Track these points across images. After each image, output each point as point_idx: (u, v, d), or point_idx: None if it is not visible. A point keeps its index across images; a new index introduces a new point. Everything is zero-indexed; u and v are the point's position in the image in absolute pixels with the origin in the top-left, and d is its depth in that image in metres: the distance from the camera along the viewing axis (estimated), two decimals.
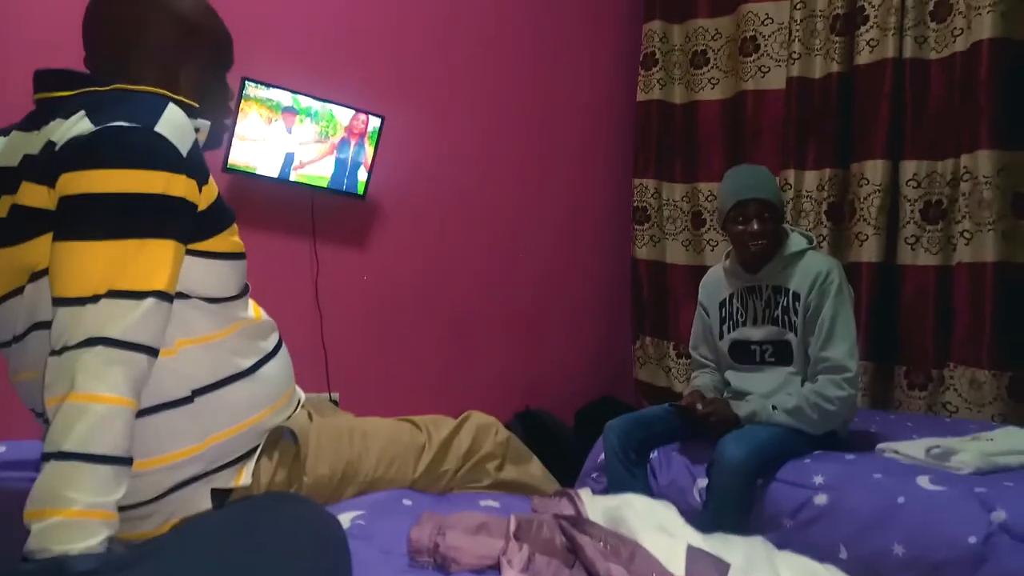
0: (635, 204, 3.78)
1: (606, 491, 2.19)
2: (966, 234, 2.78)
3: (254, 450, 1.25)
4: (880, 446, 2.17)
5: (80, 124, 1.02)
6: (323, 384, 2.76)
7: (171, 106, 1.07)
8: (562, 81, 3.56)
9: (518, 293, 3.42)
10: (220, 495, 1.19)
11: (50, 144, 1.04)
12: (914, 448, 2.09)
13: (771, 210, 2.21)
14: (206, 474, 1.17)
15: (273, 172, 2.54)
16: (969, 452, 1.98)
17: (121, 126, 1.01)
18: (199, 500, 1.17)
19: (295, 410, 1.35)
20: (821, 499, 1.95)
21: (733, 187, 2.27)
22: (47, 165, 1.02)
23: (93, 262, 0.97)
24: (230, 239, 1.17)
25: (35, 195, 1.03)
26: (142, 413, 1.01)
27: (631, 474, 2.21)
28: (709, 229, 3.58)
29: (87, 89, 1.11)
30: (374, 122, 2.73)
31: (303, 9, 2.70)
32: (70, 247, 0.98)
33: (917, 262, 2.94)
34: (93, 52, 1.20)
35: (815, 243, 2.33)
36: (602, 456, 2.30)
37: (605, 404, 3.47)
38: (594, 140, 3.75)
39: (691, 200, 3.66)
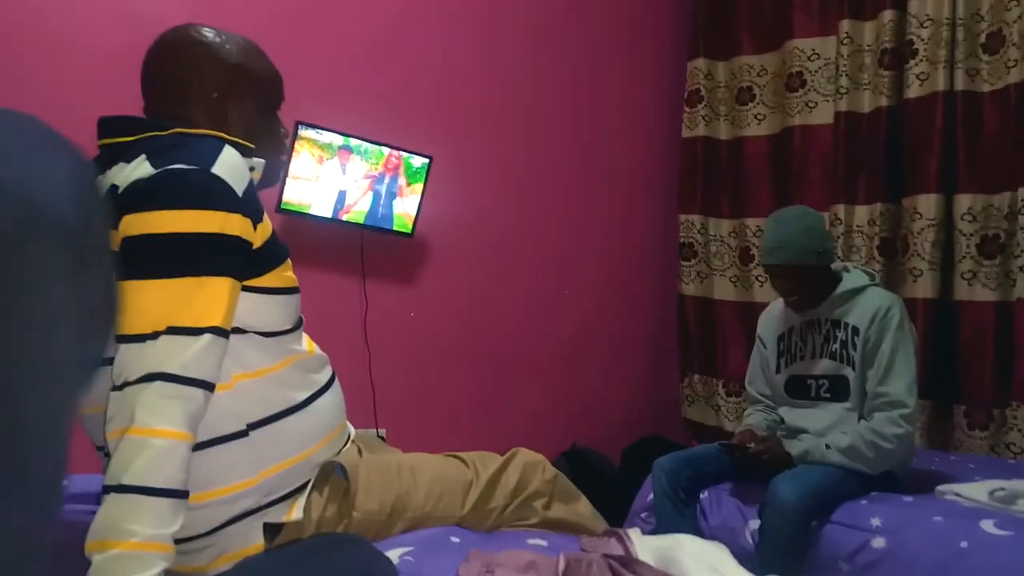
0: (681, 240, 3.76)
1: (655, 531, 2.16)
2: None
3: (305, 485, 1.26)
4: (940, 488, 2.10)
5: (141, 168, 1.06)
6: (371, 420, 2.78)
7: (227, 148, 1.11)
8: (607, 119, 3.58)
9: (564, 330, 3.42)
10: (272, 529, 1.21)
11: (113, 188, 1.08)
12: (976, 490, 2.01)
13: (793, 270, 2.21)
14: (259, 508, 1.19)
15: (325, 211, 2.60)
16: None
17: (180, 169, 1.05)
18: (252, 534, 1.18)
19: (346, 444, 1.36)
20: (879, 542, 1.89)
21: (763, 245, 2.29)
22: (110, 208, 1.07)
23: (153, 300, 1.00)
24: (284, 274, 1.20)
25: None
26: (198, 447, 1.03)
27: (680, 513, 2.17)
28: (757, 265, 3.54)
29: (148, 134, 1.15)
30: (410, 157, 2.77)
31: (354, 54, 2.78)
32: (131, 286, 1.01)
33: (975, 298, 2.86)
34: (151, 100, 1.25)
35: (877, 280, 2.29)
36: (651, 495, 2.27)
37: (652, 443, 3.42)
38: (639, 177, 3.76)
39: (739, 236, 3.63)
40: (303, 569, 1.00)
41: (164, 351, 0.98)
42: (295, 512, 1.23)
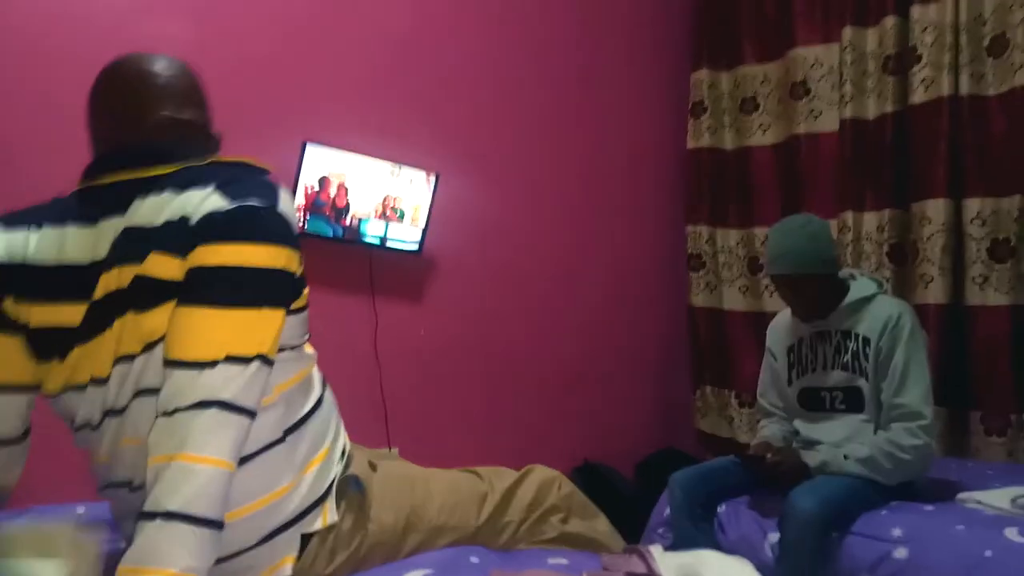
0: (689, 251, 3.75)
1: (672, 547, 2.13)
2: None
3: (331, 487, 1.27)
4: (961, 496, 2.07)
5: (213, 199, 1.08)
6: (383, 437, 2.77)
7: (281, 187, 1.16)
8: (612, 132, 3.59)
9: (575, 344, 3.40)
10: (304, 541, 1.22)
11: (182, 217, 1.08)
12: (998, 497, 1.99)
13: (799, 279, 2.19)
14: (297, 518, 1.20)
15: (335, 230, 2.60)
16: None
17: (254, 206, 1.09)
18: (289, 546, 1.19)
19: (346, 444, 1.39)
20: (901, 553, 1.86)
21: (767, 254, 2.27)
22: (178, 236, 1.07)
23: (219, 328, 1.02)
24: (304, 293, 1.23)
25: (164, 266, 1.06)
26: (244, 460, 1.05)
27: (698, 528, 2.15)
28: (766, 274, 3.52)
29: (185, 165, 1.16)
30: (418, 173, 2.77)
31: (360, 74, 2.78)
32: (197, 312, 1.03)
33: (987, 302, 2.84)
34: (188, 125, 1.23)
35: (885, 288, 2.27)
36: (667, 510, 2.25)
37: (666, 456, 3.40)
38: (645, 189, 3.76)
39: (747, 245, 3.62)
40: None
41: (221, 379, 0.99)
42: (329, 515, 1.24)
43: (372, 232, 2.70)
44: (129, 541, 0.94)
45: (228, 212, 1.07)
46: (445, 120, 3.02)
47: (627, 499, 2.97)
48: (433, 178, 2.80)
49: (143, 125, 1.19)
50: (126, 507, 1.15)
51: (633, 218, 3.69)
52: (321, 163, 2.51)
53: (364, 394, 2.74)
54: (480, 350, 3.10)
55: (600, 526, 1.58)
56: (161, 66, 1.22)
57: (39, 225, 1.16)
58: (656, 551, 1.37)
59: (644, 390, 3.69)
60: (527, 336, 3.25)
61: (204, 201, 1.08)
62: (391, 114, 2.87)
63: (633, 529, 2.35)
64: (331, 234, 2.60)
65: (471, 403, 3.07)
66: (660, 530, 2.29)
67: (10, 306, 1.13)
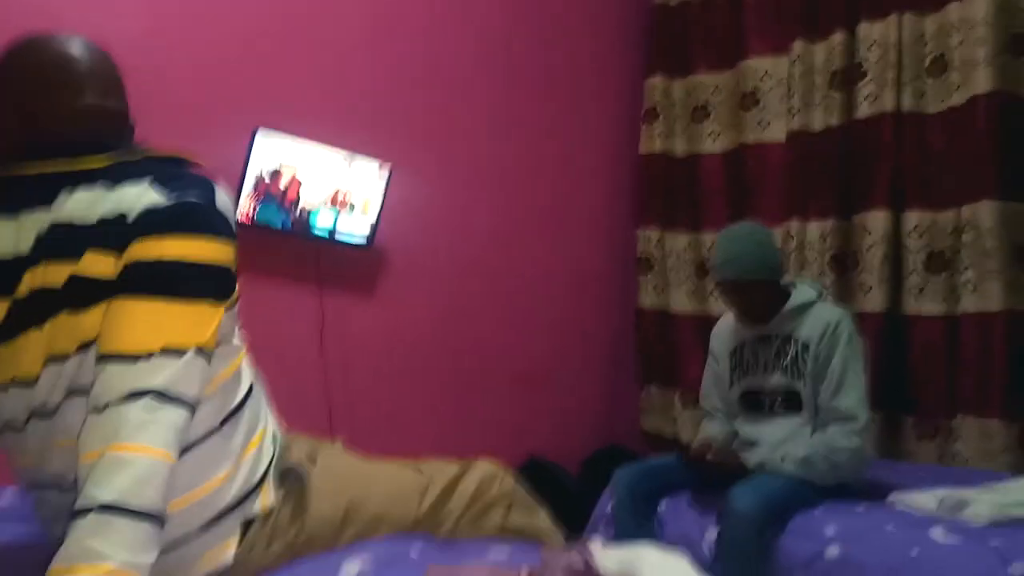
0: (639, 254, 3.80)
1: (614, 541, 2.16)
2: (970, 284, 2.78)
3: (268, 469, 1.26)
4: (892, 497, 2.14)
5: (150, 194, 1.05)
6: (327, 430, 2.74)
7: (217, 182, 1.14)
8: (567, 133, 3.61)
9: (524, 343, 3.41)
10: (244, 529, 1.20)
11: (119, 214, 1.05)
12: (926, 499, 2.06)
13: (745, 285, 2.24)
14: (237, 504, 1.18)
15: (282, 221, 2.56)
16: (983, 503, 1.96)
17: (195, 201, 1.08)
18: (230, 533, 1.18)
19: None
20: (833, 552, 1.92)
21: (715, 260, 2.32)
22: (116, 233, 1.04)
23: (156, 321, 1.00)
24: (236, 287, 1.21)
25: (101, 264, 1.03)
26: (183, 450, 1.02)
27: (639, 524, 2.19)
28: (714, 279, 3.58)
29: (115, 158, 1.12)
30: (370, 164, 2.75)
31: (317, 62, 2.75)
32: (134, 305, 1.00)
33: (923, 312, 2.94)
34: (117, 117, 1.20)
35: (825, 294, 2.34)
36: (610, 506, 2.27)
37: (611, 453, 3.43)
38: (599, 191, 3.79)
39: (695, 249, 3.68)
40: None
41: (157, 370, 0.97)
42: (268, 498, 1.22)
43: (322, 224, 2.67)
44: (59, 543, 0.89)
45: (167, 207, 1.05)
46: (400, 114, 3.00)
47: (572, 495, 3.00)
48: (386, 170, 2.78)
49: (66, 113, 1.13)
50: (55, 509, 1.11)
51: (585, 219, 3.72)
52: (273, 151, 2.47)
53: (309, 387, 2.71)
54: (429, 347, 3.09)
55: (542, 520, 1.59)
56: (80, 50, 1.16)
57: None
58: (596, 545, 1.38)
59: (592, 388, 3.72)
60: (476, 334, 3.25)
61: (141, 196, 1.05)
62: (347, 104, 2.84)
63: (577, 524, 2.37)
64: (280, 225, 2.56)
65: (419, 399, 3.06)
66: (603, 525, 2.32)
67: None
